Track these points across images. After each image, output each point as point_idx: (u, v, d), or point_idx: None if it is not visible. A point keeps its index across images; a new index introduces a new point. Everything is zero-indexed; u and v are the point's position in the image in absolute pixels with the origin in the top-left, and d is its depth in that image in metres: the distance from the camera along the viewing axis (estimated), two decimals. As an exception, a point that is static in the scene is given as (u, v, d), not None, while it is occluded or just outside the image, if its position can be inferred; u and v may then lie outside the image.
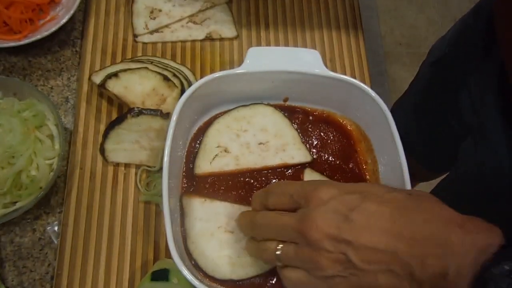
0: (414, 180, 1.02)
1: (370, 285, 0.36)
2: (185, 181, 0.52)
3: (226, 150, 0.53)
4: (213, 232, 0.49)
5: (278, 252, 0.40)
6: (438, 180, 0.85)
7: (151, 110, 0.58)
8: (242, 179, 0.52)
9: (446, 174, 0.78)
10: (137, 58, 0.65)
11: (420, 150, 0.84)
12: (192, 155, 0.54)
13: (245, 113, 0.55)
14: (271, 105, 0.56)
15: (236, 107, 0.56)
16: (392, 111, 0.94)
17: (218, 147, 0.53)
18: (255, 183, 0.52)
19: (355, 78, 0.59)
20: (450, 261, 0.33)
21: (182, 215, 0.50)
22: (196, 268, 0.47)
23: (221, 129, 0.54)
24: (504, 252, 0.32)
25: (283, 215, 0.40)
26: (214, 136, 0.54)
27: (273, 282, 0.48)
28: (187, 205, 0.50)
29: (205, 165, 0.52)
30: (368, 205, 0.37)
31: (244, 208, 0.50)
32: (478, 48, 0.64)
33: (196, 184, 0.52)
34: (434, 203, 0.37)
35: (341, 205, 0.37)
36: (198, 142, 0.54)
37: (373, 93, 0.52)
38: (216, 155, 0.53)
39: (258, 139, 0.54)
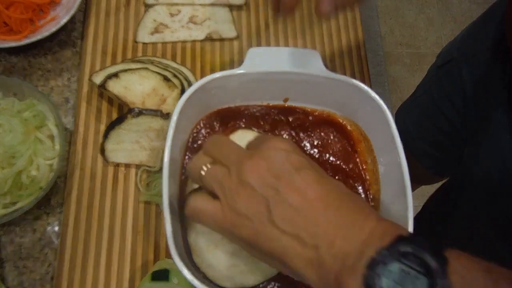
0: (418, 183, 1.02)
1: (271, 240, 0.36)
2: (183, 176, 0.52)
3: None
4: (217, 244, 0.49)
5: (205, 169, 0.40)
6: (440, 184, 0.85)
7: (151, 110, 0.58)
8: None
9: (447, 179, 0.78)
10: (137, 59, 0.65)
11: (425, 152, 0.84)
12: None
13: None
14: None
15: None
16: (397, 113, 0.93)
17: None
18: None
19: (355, 78, 0.59)
20: (354, 246, 0.33)
21: (184, 229, 0.50)
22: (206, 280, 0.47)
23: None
24: (401, 239, 0.33)
25: (239, 145, 0.41)
26: None
27: (285, 285, 0.48)
28: (187, 219, 0.50)
29: None
30: (313, 173, 0.37)
31: None
32: (487, 50, 0.64)
33: None
34: (361, 200, 0.39)
35: (288, 159, 0.38)
36: (197, 144, 0.54)
37: (373, 93, 0.51)
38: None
39: None
